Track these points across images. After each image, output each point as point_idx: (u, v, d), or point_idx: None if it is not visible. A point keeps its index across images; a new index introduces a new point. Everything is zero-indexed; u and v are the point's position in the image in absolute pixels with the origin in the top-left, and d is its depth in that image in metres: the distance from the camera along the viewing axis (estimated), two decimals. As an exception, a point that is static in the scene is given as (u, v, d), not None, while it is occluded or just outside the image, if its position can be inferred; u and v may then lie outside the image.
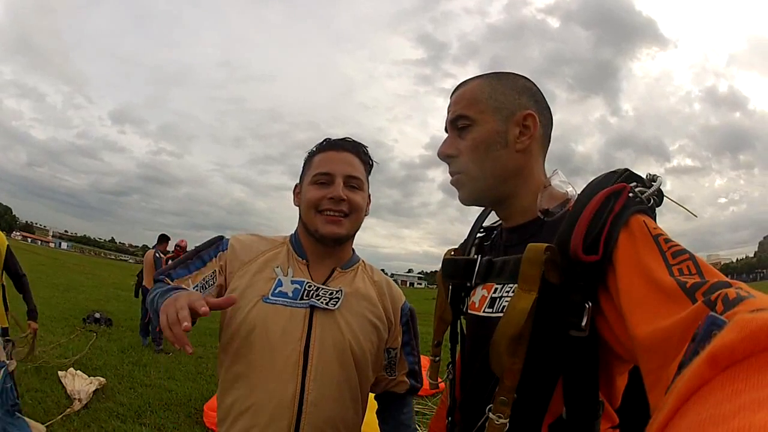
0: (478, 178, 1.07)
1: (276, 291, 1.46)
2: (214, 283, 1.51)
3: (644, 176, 0.90)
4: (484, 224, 1.27)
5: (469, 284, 1.15)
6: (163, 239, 10.02)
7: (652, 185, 0.88)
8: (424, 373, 1.60)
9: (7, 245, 4.18)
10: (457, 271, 1.18)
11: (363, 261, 1.67)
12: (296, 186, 1.63)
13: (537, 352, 0.85)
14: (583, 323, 0.80)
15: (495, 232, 1.22)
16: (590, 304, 0.81)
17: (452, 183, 1.12)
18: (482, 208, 1.27)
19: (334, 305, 1.46)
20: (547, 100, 1.11)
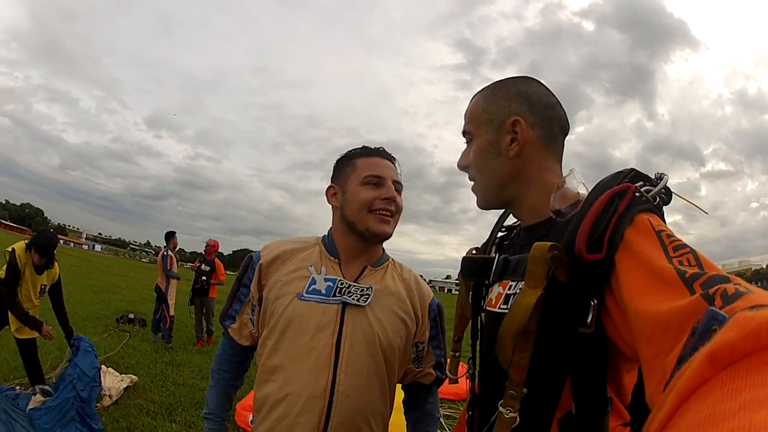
0: (483, 186, 1.18)
1: (310, 289, 1.59)
2: (257, 304, 1.69)
3: (652, 175, 0.93)
4: (506, 224, 1.34)
5: (487, 282, 1.21)
6: (170, 236, 10.22)
7: (659, 183, 0.91)
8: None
9: (59, 275, 5.08)
10: (476, 269, 1.25)
11: (392, 259, 1.80)
12: (331, 187, 1.76)
13: (544, 347, 0.88)
14: (589, 320, 0.84)
15: (515, 231, 1.27)
16: (596, 301, 0.84)
17: (472, 191, 1.22)
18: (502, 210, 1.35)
19: (365, 301, 1.59)
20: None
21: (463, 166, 1.23)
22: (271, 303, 1.61)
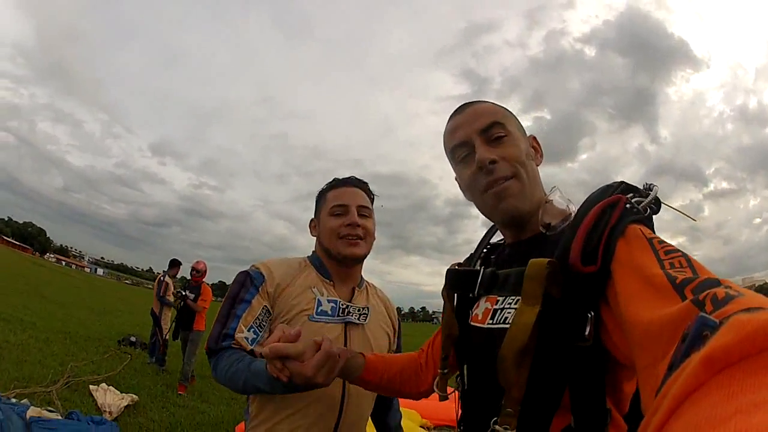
0: (529, 185, 1.16)
1: (318, 310, 1.78)
2: (268, 318, 1.75)
3: (641, 186, 0.99)
4: (492, 241, 1.38)
5: (472, 295, 1.25)
6: (174, 264, 10.51)
7: (649, 194, 0.96)
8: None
9: None
10: (461, 281, 1.28)
11: (366, 281, 2.07)
12: (312, 221, 2.04)
13: (542, 363, 0.92)
14: (587, 333, 0.87)
15: (500, 247, 1.31)
16: (592, 314, 0.88)
17: (497, 192, 1.15)
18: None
19: (364, 320, 1.87)
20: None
21: (493, 159, 1.14)
22: (287, 321, 1.74)
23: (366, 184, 2.02)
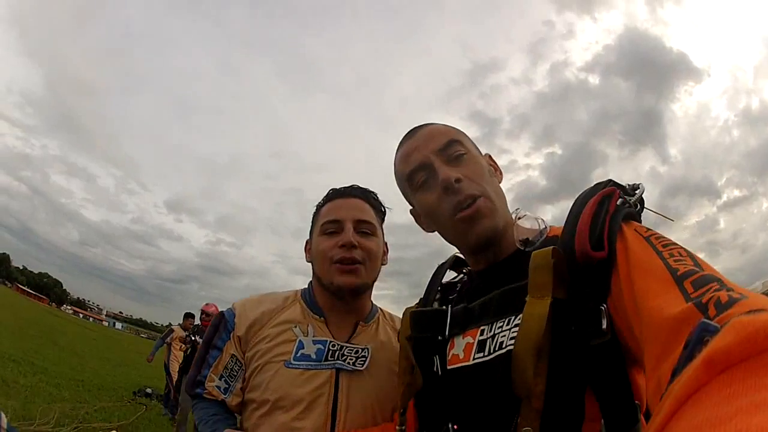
0: (497, 203, 1.13)
1: (298, 354, 1.48)
2: (240, 368, 1.54)
3: (626, 186, 1.00)
4: (443, 281, 1.33)
5: (440, 338, 1.16)
6: (188, 316, 10.43)
7: (635, 193, 0.99)
8: None
9: None
10: (429, 322, 1.20)
11: (381, 310, 1.73)
12: (307, 242, 1.70)
13: (561, 366, 0.87)
14: (604, 326, 0.84)
15: (458, 285, 1.27)
16: (606, 306, 0.85)
17: (469, 215, 1.09)
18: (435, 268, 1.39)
19: (362, 365, 1.51)
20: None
21: (457, 178, 1.09)
22: (256, 372, 1.50)
23: (371, 193, 1.67)
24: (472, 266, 1.22)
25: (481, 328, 1.06)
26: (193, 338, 8.76)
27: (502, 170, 1.24)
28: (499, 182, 1.20)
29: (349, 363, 1.49)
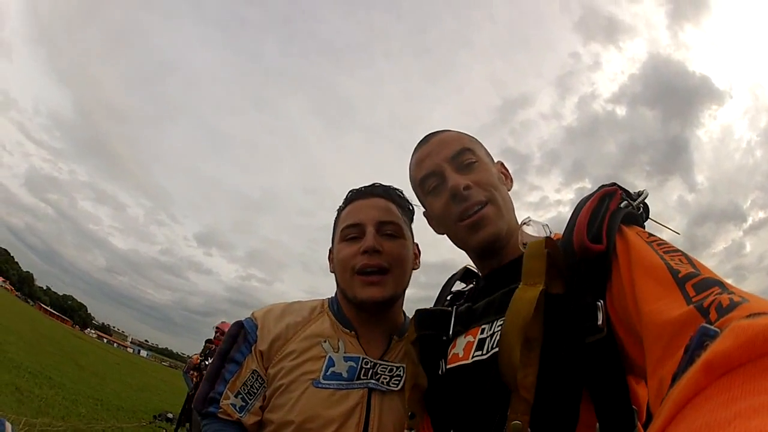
0: (504, 209, 1.21)
1: (328, 373, 1.38)
2: (261, 385, 1.42)
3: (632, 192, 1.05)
4: (453, 289, 1.41)
5: (445, 338, 1.24)
6: (209, 342, 9.59)
7: (639, 198, 1.04)
8: None
9: None
10: (433, 321, 1.27)
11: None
12: (330, 251, 1.61)
13: (552, 362, 0.89)
14: (600, 322, 0.87)
15: (466, 292, 1.35)
16: (602, 301, 0.88)
17: (474, 222, 1.18)
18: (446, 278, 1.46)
19: (396, 385, 1.41)
20: None
21: (466, 185, 1.18)
22: (280, 392, 1.38)
23: (395, 190, 1.58)
24: (479, 270, 1.30)
25: (482, 326, 1.13)
26: (206, 363, 7.83)
27: (512, 177, 1.34)
28: (509, 189, 1.28)
29: (383, 382, 1.40)
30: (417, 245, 1.59)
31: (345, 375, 1.38)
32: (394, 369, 1.42)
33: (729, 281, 0.71)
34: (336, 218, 1.59)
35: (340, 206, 1.59)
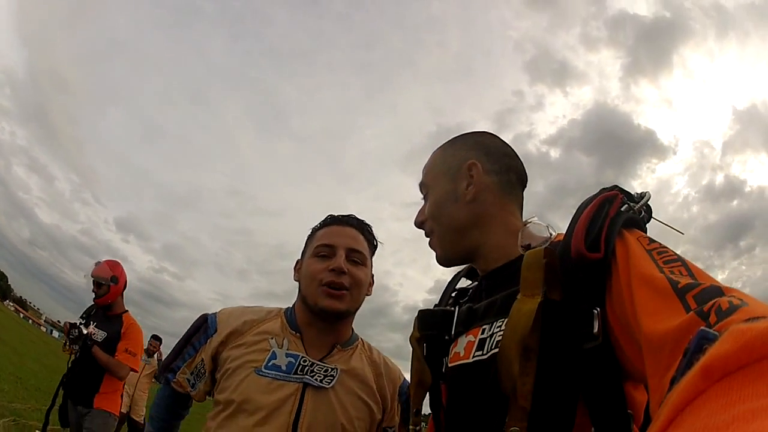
0: (441, 235, 1.26)
1: (269, 363, 1.60)
2: (204, 372, 1.73)
3: (633, 193, 1.02)
4: (458, 286, 1.40)
5: (447, 337, 1.24)
6: (155, 339, 9.72)
7: (641, 200, 1.00)
8: None
9: None
10: (435, 321, 1.27)
11: (362, 339, 1.84)
12: (297, 262, 1.84)
13: (549, 367, 0.89)
14: (595, 330, 0.86)
15: (471, 290, 1.33)
16: (598, 309, 0.87)
17: (430, 246, 1.31)
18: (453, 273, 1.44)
19: (329, 383, 1.60)
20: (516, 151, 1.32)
21: (420, 221, 1.31)
22: (227, 375, 1.63)
23: (367, 226, 1.81)
24: (479, 272, 1.27)
25: (483, 327, 1.11)
26: (79, 326, 4.64)
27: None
28: (468, 199, 1.21)
29: (317, 379, 1.58)
30: (373, 276, 1.80)
31: (284, 368, 1.58)
32: (329, 370, 1.61)
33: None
34: (310, 236, 1.80)
35: (315, 226, 1.80)
